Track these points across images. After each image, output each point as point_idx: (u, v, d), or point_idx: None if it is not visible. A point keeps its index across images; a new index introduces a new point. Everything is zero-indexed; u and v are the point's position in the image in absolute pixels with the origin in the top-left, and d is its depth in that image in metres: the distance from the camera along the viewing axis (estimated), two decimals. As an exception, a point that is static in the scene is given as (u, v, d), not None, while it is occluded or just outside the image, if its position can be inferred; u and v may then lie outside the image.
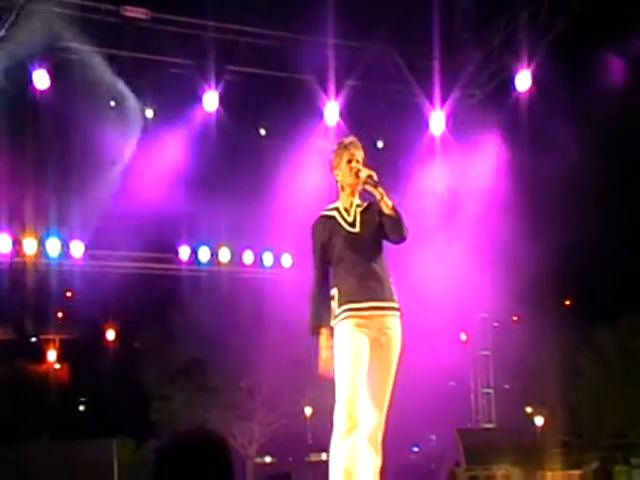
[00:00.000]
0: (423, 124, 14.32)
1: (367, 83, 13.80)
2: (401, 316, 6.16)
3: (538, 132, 14.02)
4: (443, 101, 14.10)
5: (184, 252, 15.32)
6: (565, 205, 15.11)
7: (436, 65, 13.67)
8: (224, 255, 15.41)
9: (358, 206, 6.33)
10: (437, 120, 14.24)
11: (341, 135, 13.33)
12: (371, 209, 6.33)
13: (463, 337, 17.09)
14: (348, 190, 6.39)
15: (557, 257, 15.54)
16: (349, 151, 6.47)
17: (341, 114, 13.65)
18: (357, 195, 6.33)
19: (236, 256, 15.52)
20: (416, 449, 17.72)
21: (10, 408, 15.16)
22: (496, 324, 16.11)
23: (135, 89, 13.47)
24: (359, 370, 5.99)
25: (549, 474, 8.89)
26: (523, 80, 13.51)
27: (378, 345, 6.08)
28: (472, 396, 15.64)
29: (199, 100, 13.59)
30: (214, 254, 15.38)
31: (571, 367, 19.76)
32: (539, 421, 19.76)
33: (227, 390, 16.15)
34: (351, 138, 6.62)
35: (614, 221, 16.70)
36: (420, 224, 13.78)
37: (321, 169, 13.54)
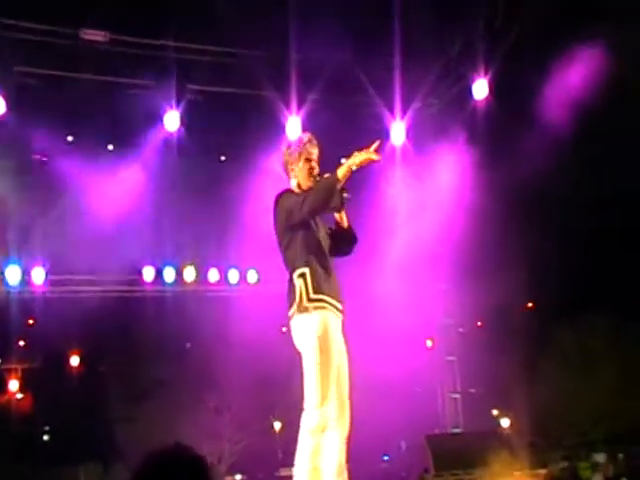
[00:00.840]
0: (384, 135, 14.50)
1: (328, 96, 14.25)
2: None
3: (497, 140, 14.65)
4: (404, 112, 14.68)
5: (148, 273, 15.70)
6: (525, 211, 15.80)
7: (396, 76, 14.13)
8: (189, 274, 15.87)
9: None
10: (398, 131, 14.85)
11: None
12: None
13: (429, 344, 17.72)
14: (303, 188, 6.89)
15: (518, 262, 16.26)
16: (307, 149, 6.98)
17: (303, 128, 13.82)
18: None
19: (201, 275, 15.98)
20: (386, 457, 18.45)
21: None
22: (461, 329, 16.85)
23: (95, 112, 13.82)
24: (336, 371, 6.55)
25: (517, 474, 9.65)
26: (480, 89, 14.26)
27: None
28: (439, 401, 16.47)
29: (160, 120, 13.93)
30: (179, 274, 15.81)
31: (534, 369, 20.42)
32: (505, 423, 20.35)
33: (195, 409, 16.73)
34: (309, 135, 7.14)
35: (574, 226, 17.48)
36: (381, 233, 14.70)
37: (283, 184, 14.35)
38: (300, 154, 6.99)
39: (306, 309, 6.59)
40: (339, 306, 6.64)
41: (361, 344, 15.66)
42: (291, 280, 6.77)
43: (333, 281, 6.75)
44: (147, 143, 14.46)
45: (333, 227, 7.01)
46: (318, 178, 6.84)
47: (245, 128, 14.53)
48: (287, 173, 7.12)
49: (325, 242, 6.85)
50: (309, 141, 7.09)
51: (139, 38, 13.73)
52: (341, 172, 6.60)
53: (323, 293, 6.59)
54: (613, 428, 21.65)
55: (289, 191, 6.97)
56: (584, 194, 16.54)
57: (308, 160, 6.96)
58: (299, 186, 6.96)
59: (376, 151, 6.67)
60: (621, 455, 21.48)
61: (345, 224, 6.98)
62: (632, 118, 14.07)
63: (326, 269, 6.70)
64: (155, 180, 14.56)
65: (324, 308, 6.58)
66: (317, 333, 6.52)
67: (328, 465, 6.54)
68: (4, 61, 13.35)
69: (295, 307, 6.66)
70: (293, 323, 6.77)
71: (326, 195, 6.61)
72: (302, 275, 6.65)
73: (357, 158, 6.66)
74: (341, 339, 6.75)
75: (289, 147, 7.12)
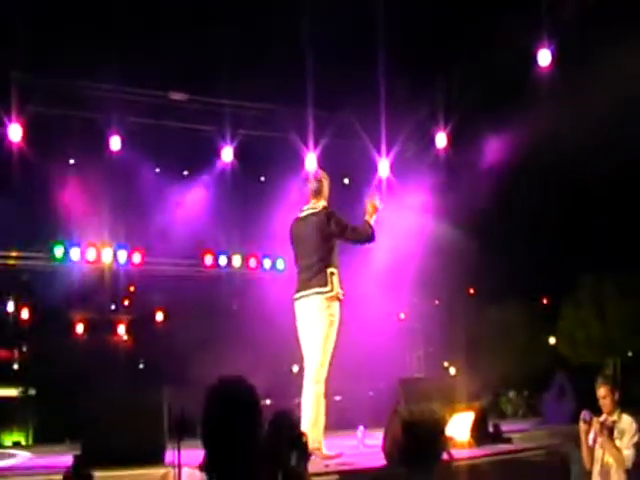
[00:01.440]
0: (373, 169, 13.53)
1: (335, 139, 13.01)
2: None
3: (453, 177, 13.37)
4: (388, 152, 13.29)
5: (208, 259, 14.70)
6: (470, 225, 14.26)
7: (382, 128, 12.83)
8: (236, 261, 14.74)
9: None
10: (384, 166, 13.42)
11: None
12: None
13: (402, 316, 16.44)
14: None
15: (463, 259, 14.66)
16: (328, 181, 6.33)
17: (318, 161, 12.86)
18: None
19: (245, 261, 14.87)
20: (371, 393, 16.82)
21: (94, 367, 14.24)
22: (424, 306, 15.52)
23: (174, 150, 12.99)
24: None
25: (459, 405, 8.22)
26: (440, 139, 12.98)
27: None
28: (407, 356, 15.21)
29: (218, 155, 13.00)
30: (229, 260, 14.73)
31: (472, 334, 19.24)
32: (452, 371, 19.05)
33: (237, 358, 15.37)
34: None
35: (502, 238, 16.17)
36: (376, 238, 13.39)
37: (299, 199, 13.20)
38: (327, 184, 6.35)
39: (337, 298, 5.89)
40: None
41: (355, 316, 14.13)
42: (321, 271, 5.87)
43: None
44: (210, 169, 13.41)
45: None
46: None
47: (277, 159, 13.25)
48: (317, 194, 6.26)
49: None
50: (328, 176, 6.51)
51: (206, 97, 12.73)
52: (372, 221, 6.23)
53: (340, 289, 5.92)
54: (522, 375, 20.51)
55: (334, 211, 6.23)
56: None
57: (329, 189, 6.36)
58: (327, 206, 6.26)
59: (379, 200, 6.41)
60: (526, 393, 20.63)
61: None
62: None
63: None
64: (215, 194, 13.57)
65: (339, 300, 5.95)
66: (338, 318, 5.90)
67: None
68: (121, 113, 12.43)
69: (325, 292, 5.80)
70: (315, 300, 5.86)
71: (365, 239, 6.25)
72: (333, 273, 5.88)
73: (372, 210, 6.30)
74: None
75: (318, 179, 6.37)
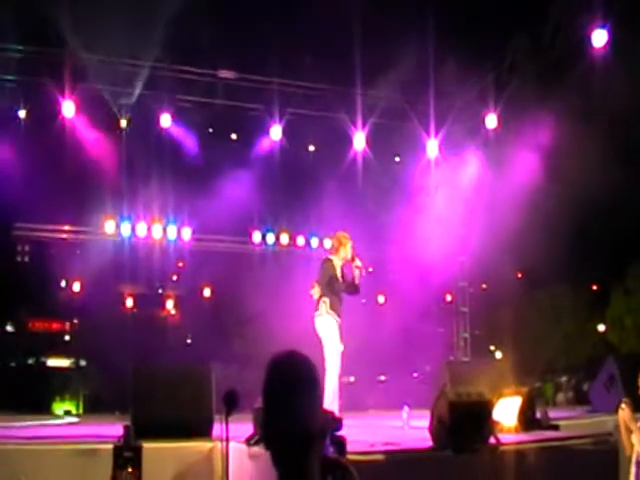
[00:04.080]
0: (421, 149, 13.37)
1: (384, 120, 12.81)
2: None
3: (505, 156, 12.84)
4: (436, 133, 13.05)
5: (256, 236, 14.63)
6: (518, 210, 14.03)
7: (431, 109, 12.60)
8: (284, 239, 14.68)
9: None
10: (432, 146, 13.20)
11: (369, 154, 12.84)
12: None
13: (448, 298, 16.08)
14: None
15: (514, 244, 14.40)
16: (348, 246, 7.68)
17: (366, 141, 12.82)
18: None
19: (292, 239, 14.78)
20: (415, 374, 16.75)
21: (144, 340, 14.48)
22: (471, 290, 15.19)
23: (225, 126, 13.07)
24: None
25: (506, 390, 8.11)
26: (491, 120, 12.63)
27: None
28: (455, 339, 14.86)
29: (267, 132, 12.85)
30: (277, 238, 14.67)
31: (520, 319, 18.98)
32: (498, 355, 18.87)
33: (283, 332, 15.45)
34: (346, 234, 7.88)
35: (555, 227, 15.79)
36: (425, 220, 13.29)
37: (346, 179, 13.19)
38: (345, 247, 7.74)
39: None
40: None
41: (401, 299, 14.04)
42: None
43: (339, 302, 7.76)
44: (259, 147, 13.19)
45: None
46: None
47: (325, 139, 13.19)
48: (336, 250, 7.89)
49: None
50: (349, 239, 7.85)
51: (256, 76, 12.60)
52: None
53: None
54: (570, 362, 19.74)
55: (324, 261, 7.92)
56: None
57: (345, 250, 7.72)
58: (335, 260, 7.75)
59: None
60: (573, 380, 20.55)
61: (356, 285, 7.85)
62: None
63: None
64: (264, 173, 13.39)
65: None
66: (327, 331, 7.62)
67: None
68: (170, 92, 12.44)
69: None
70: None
71: (354, 291, 7.96)
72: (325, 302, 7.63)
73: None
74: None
75: (336, 238, 7.95)
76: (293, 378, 2.07)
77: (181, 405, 6.41)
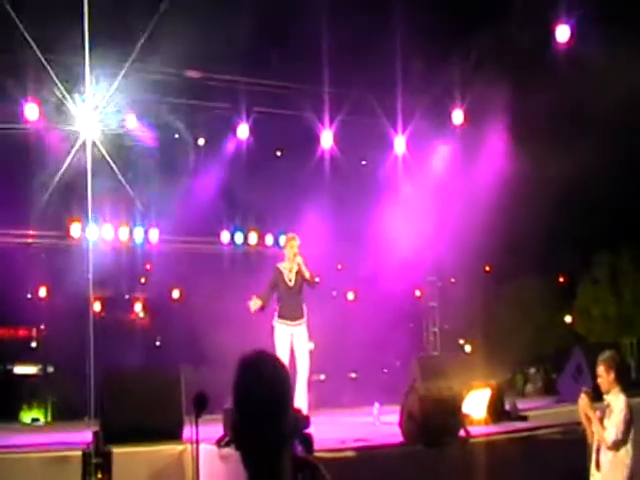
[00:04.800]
0: (389, 146, 13.32)
1: (350, 117, 12.72)
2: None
3: (472, 151, 13.03)
4: (404, 129, 13.03)
5: (225, 236, 14.61)
6: (488, 203, 14.14)
7: (398, 105, 12.58)
8: (253, 238, 14.69)
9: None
10: (400, 143, 13.20)
11: (335, 154, 12.84)
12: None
13: (417, 293, 16.36)
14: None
15: (481, 238, 14.51)
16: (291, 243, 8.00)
17: (334, 139, 12.75)
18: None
19: (260, 239, 14.82)
20: (386, 370, 16.83)
21: (111, 345, 14.32)
22: (440, 284, 15.33)
23: (191, 125, 12.88)
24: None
25: (475, 383, 8.22)
26: (458, 116, 12.80)
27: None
28: (424, 333, 14.99)
29: (234, 131, 12.79)
30: (245, 237, 14.68)
31: (488, 312, 19.19)
32: (468, 349, 19.06)
33: (252, 331, 15.39)
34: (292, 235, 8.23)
35: (520, 217, 15.94)
36: (394, 217, 13.35)
37: (314, 177, 13.20)
38: (286, 248, 8.16)
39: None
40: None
41: (370, 294, 14.08)
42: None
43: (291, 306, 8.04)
44: (226, 147, 13.19)
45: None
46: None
47: (292, 137, 13.13)
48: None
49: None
50: (290, 239, 8.19)
51: (222, 75, 12.38)
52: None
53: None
54: (538, 353, 20.02)
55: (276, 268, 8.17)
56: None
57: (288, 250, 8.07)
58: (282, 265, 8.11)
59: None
60: (542, 371, 20.93)
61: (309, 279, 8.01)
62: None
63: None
64: (231, 172, 13.33)
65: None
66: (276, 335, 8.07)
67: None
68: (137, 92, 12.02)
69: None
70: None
71: (311, 286, 8.19)
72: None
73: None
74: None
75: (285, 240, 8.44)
76: (263, 377, 2.06)
77: (151, 408, 6.36)
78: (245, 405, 2.05)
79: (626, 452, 5.58)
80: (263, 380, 2.06)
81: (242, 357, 2.14)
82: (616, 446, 5.50)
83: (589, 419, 5.60)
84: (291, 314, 7.99)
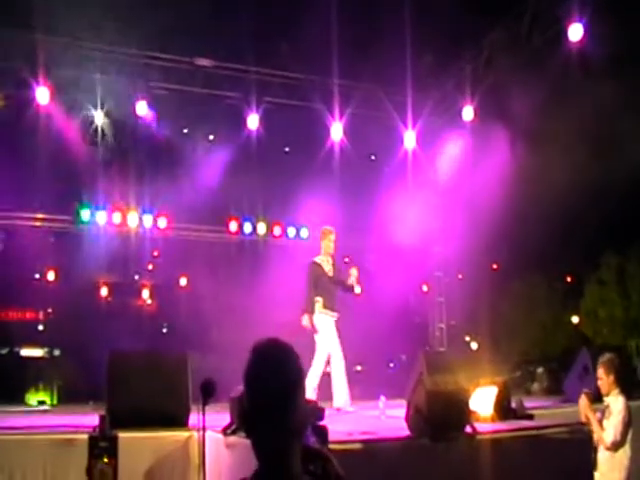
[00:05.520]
0: (399, 141, 13.25)
1: (361, 110, 12.73)
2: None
3: (482, 148, 12.81)
4: (414, 124, 12.99)
5: (233, 225, 14.58)
6: (496, 200, 14.04)
7: (409, 100, 12.51)
8: (261, 228, 14.65)
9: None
10: (409, 138, 13.14)
11: (344, 147, 12.79)
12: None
13: (425, 288, 16.28)
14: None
15: (489, 236, 14.47)
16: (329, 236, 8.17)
17: (344, 131, 12.70)
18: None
19: (269, 229, 14.78)
20: (392, 364, 16.82)
21: (119, 330, 14.36)
22: (447, 280, 15.22)
23: (201, 114, 12.85)
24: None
25: (481, 380, 8.21)
26: (468, 112, 12.69)
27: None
28: (430, 329, 14.96)
29: (244, 121, 12.69)
30: (254, 227, 14.64)
31: (495, 310, 19.11)
32: (474, 346, 19.02)
33: (261, 322, 15.38)
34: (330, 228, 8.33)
35: (529, 215, 15.91)
36: (402, 211, 13.29)
37: (324, 169, 13.16)
38: (324, 241, 8.26)
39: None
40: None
41: (377, 288, 14.05)
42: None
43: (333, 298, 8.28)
44: (236, 137, 13.04)
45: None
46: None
47: (302, 128, 13.07)
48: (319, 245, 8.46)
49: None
50: (329, 233, 8.26)
51: (233, 64, 12.44)
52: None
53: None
54: (545, 352, 20.02)
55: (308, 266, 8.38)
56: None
57: (326, 244, 8.21)
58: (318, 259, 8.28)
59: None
60: (548, 371, 20.04)
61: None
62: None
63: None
64: (240, 162, 13.21)
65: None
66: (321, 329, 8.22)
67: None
68: (147, 78, 12.29)
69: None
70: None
71: (348, 291, 8.58)
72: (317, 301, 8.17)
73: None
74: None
75: (321, 233, 8.34)
76: (274, 365, 2.05)
77: (157, 394, 6.35)
78: (255, 392, 2.03)
79: (624, 453, 5.65)
80: (274, 368, 2.04)
81: (256, 344, 2.13)
82: (614, 447, 5.60)
83: (589, 419, 5.67)
84: (333, 305, 8.24)
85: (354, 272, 8.29)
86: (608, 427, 5.63)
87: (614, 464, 5.63)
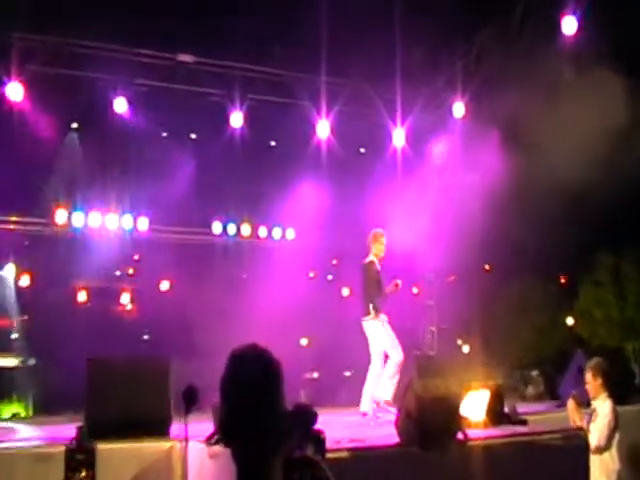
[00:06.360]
0: (388, 139, 13.36)
1: (349, 108, 12.81)
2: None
3: (474, 145, 13.00)
4: (403, 121, 13.09)
5: (217, 227, 14.56)
6: (487, 199, 14.08)
7: (398, 96, 12.60)
8: (245, 230, 14.61)
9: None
10: (399, 135, 13.24)
11: (332, 145, 12.81)
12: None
13: (415, 290, 16.42)
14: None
15: (481, 236, 14.51)
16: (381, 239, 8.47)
17: (331, 129, 12.77)
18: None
19: (254, 230, 14.77)
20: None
21: (96, 336, 14.26)
22: (438, 282, 15.54)
23: (183, 112, 12.74)
24: None
25: (474, 384, 8.22)
26: (458, 109, 12.82)
27: None
28: (421, 332, 15.16)
29: (228, 119, 12.71)
30: (238, 229, 14.61)
31: (487, 312, 19.13)
32: (466, 349, 19.01)
33: (246, 327, 15.31)
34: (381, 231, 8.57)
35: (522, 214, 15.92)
36: (391, 211, 13.33)
37: (310, 168, 13.15)
38: (376, 244, 8.46)
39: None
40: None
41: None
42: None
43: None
44: (220, 135, 12.99)
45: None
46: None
47: (288, 126, 12.99)
48: (369, 249, 8.66)
49: None
50: (380, 236, 8.50)
51: (215, 60, 12.59)
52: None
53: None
54: (539, 354, 20.11)
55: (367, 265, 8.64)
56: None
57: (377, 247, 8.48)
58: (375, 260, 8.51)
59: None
60: (543, 374, 20.06)
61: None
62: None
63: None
64: (224, 161, 13.07)
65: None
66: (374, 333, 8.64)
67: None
68: (127, 74, 12.30)
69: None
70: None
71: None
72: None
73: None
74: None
75: (373, 236, 8.50)
76: (255, 372, 2.04)
77: (138, 403, 6.31)
78: (231, 400, 2.03)
79: (610, 457, 5.74)
80: (251, 375, 2.04)
81: (234, 350, 2.13)
82: (599, 451, 5.70)
83: (576, 423, 5.76)
84: (383, 308, 8.60)
85: (399, 283, 8.75)
86: (593, 430, 5.75)
87: (602, 468, 5.73)
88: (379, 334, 8.41)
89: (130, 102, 12.38)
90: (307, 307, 14.32)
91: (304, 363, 18.18)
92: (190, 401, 4.44)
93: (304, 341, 17.39)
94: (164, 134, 13.56)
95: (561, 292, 22.56)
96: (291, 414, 3.03)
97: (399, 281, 8.76)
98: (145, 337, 17.56)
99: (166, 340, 15.48)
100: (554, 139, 13.06)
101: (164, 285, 16.03)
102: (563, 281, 23.92)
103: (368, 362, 16.44)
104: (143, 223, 14.04)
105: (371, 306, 8.29)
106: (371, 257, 8.62)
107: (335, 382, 16.69)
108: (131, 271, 16.11)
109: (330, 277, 17.17)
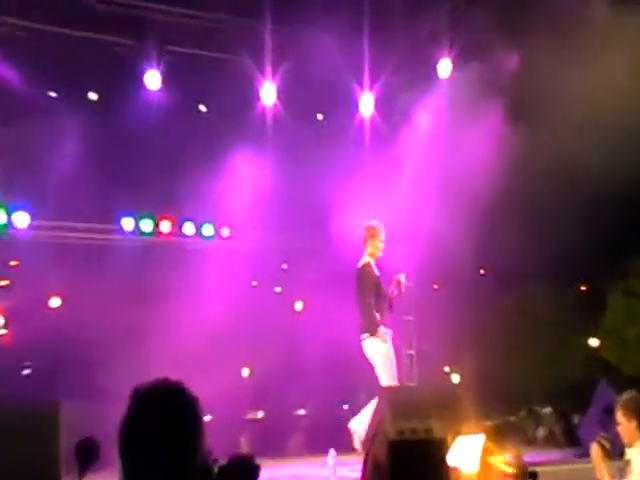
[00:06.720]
0: (353, 106, 13.65)
1: (299, 67, 12.85)
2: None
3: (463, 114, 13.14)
4: (372, 84, 13.37)
5: (127, 223, 14.39)
6: (481, 184, 14.36)
7: (366, 53, 12.85)
8: (165, 226, 14.52)
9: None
10: (367, 102, 13.52)
11: (278, 114, 12.86)
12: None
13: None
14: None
15: (474, 231, 14.75)
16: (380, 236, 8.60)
17: (278, 94, 13.02)
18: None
19: (176, 227, 14.68)
20: (345, 406, 16.98)
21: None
22: (417, 292, 15.41)
23: (80, 68, 12.66)
24: None
25: (465, 426, 8.31)
26: (444, 67, 13.12)
27: None
28: (396, 356, 15.18)
29: (140, 80, 12.77)
30: (157, 225, 14.50)
31: (483, 330, 19.42)
32: (456, 379, 19.29)
33: (167, 353, 15.31)
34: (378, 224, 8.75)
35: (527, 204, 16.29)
36: (358, 201, 13.45)
37: (254, 141, 13.16)
38: (372, 241, 8.61)
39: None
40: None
41: (332, 304, 14.19)
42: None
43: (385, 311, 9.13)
44: (130, 100, 13.03)
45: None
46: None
47: (221, 91, 13.19)
48: (364, 244, 8.79)
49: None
50: (378, 231, 8.69)
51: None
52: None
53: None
54: (552, 386, 20.44)
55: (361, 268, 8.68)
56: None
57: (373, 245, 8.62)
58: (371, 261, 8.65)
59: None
60: (558, 412, 20.46)
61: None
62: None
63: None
64: (136, 135, 12.98)
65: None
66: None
67: None
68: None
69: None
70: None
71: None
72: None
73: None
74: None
75: (368, 231, 8.69)
76: (162, 416, 2.05)
77: (16, 462, 6.25)
78: (129, 453, 2.04)
79: None
80: (154, 419, 2.04)
81: (136, 391, 2.14)
82: None
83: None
84: (386, 320, 8.90)
85: (402, 278, 8.90)
86: None
87: None
88: (377, 353, 8.68)
89: (7, 53, 12.34)
90: (249, 327, 14.33)
91: (244, 400, 18.15)
92: (87, 458, 4.43)
93: (245, 371, 17.42)
94: (52, 94, 13.37)
95: (580, 304, 22.76)
96: (224, 469, 3.05)
97: (401, 275, 8.90)
98: (26, 372, 17.33)
99: (56, 376, 15.33)
100: (569, 106, 13.32)
101: (54, 301, 15.94)
102: (583, 289, 24.21)
103: (325, 397, 16.64)
104: (22, 218, 13.76)
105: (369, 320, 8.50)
106: (366, 258, 8.75)
107: (285, 423, 16.73)
108: (5, 282, 15.81)
109: (278, 289, 17.23)
